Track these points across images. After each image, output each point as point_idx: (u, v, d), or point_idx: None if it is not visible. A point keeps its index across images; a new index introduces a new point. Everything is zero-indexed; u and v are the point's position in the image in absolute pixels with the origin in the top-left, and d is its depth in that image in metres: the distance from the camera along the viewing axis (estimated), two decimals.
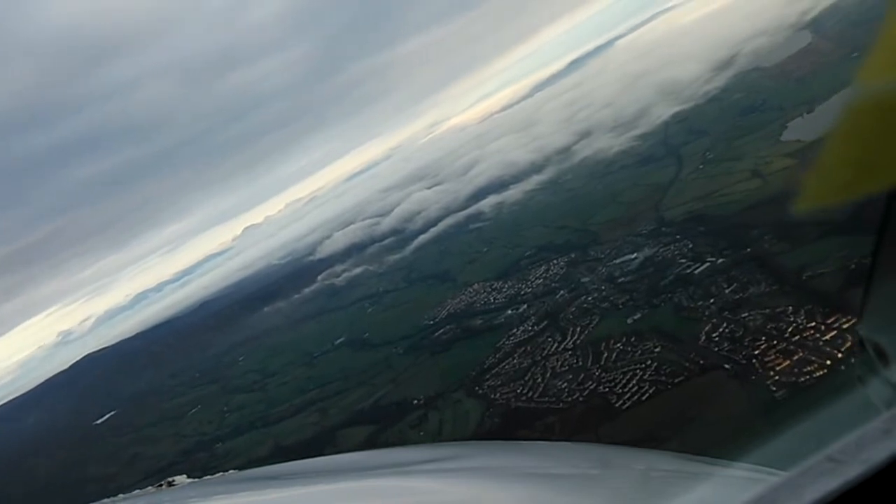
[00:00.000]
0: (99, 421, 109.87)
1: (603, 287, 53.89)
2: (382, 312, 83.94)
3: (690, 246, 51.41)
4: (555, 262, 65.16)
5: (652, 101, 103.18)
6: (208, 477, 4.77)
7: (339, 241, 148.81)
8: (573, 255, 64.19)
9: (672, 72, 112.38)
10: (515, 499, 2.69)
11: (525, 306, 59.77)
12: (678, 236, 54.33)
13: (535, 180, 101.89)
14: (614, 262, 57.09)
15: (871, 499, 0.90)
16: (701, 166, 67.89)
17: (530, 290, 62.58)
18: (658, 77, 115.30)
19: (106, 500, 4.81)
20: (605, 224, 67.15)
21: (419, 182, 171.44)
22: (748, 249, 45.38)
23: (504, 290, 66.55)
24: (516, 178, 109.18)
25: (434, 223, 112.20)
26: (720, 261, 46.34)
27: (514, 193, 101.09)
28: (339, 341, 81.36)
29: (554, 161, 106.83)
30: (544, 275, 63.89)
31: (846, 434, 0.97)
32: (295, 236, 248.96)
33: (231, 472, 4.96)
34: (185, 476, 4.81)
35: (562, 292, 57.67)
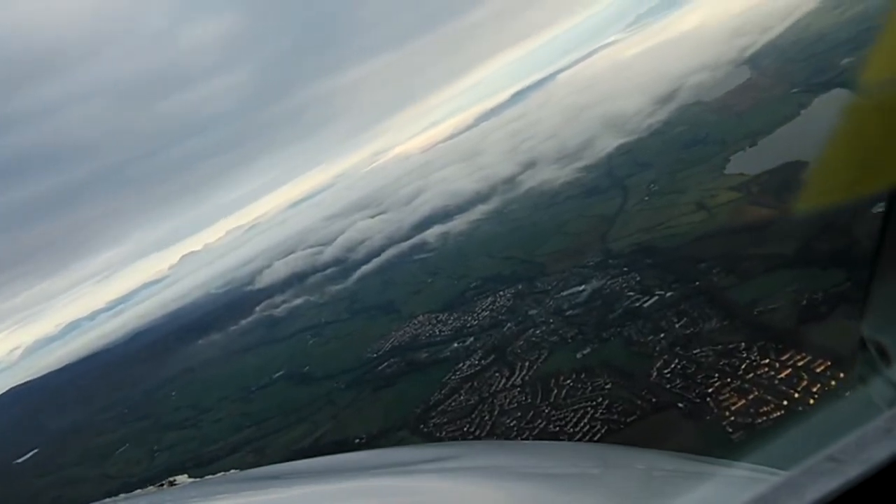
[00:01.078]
0: (20, 460, 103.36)
1: (551, 320, 52.78)
2: (324, 345, 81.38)
3: (638, 278, 50.82)
4: (501, 293, 64.00)
5: (595, 133, 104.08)
6: (209, 477, 4.74)
7: (280, 270, 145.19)
8: (520, 287, 63.12)
9: (614, 105, 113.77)
10: (516, 498, 2.66)
11: (472, 339, 58.22)
12: (626, 268, 53.77)
13: (480, 210, 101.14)
14: (562, 294, 56.17)
15: (873, 498, 0.90)
16: (646, 198, 67.93)
17: (477, 322, 61.14)
18: (601, 110, 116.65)
19: (107, 500, 4.78)
20: (552, 255, 66.43)
21: (363, 211, 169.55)
22: (697, 283, 44.91)
23: (450, 322, 64.99)
24: (461, 208, 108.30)
25: (378, 253, 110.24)
26: (669, 294, 45.72)
27: (459, 223, 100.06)
28: (277, 375, 78.36)
29: (499, 191, 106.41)
30: (491, 307, 62.58)
31: (847, 434, 0.98)
32: (234, 265, 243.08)
33: (232, 471, 4.96)
34: (186, 476, 4.86)
35: (509, 325, 56.37)
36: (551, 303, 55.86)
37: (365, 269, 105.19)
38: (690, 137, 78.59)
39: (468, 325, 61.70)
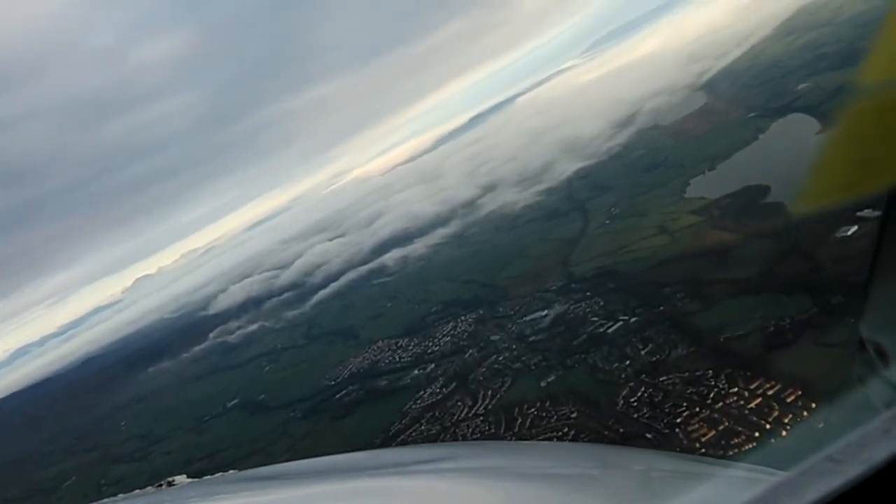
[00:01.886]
0: None
1: (514, 346, 51.72)
2: (280, 371, 79.09)
3: (602, 303, 50.11)
4: (462, 318, 62.83)
5: (555, 156, 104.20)
6: (208, 477, 4.73)
7: (235, 294, 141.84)
8: (481, 312, 62.07)
9: (573, 129, 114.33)
10: (514, 499, 2.68)
11: (432, 366, 56.80)
12: (588, 293, 53.07)
13: (440, 233, 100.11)
14: (524, 319, 55.21)
15: (872, 499, 0.91)
16: (607, 221, 67.66)
17: (438, 348, 59.78)
18: (560, 133, 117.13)
19: (106, 500, 4.79)
20: (514, 279, 65.59)
21: (321, 234, 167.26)
22: (661, 308, 44.27)
23: (410, 348, 63.52)
24: (421, 231, 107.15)
25: (336, 277, 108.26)
26: (633, 320, 45.01)
27: (419, 247, 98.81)
28: (231, 403, 75.69)
29: (459, 214, 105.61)
30: (452, 332, 61.34)
31: (846, 434, 0.99)
32: (189, 289, 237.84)
33: (231, 472, 4.95)
34: (184, 476, 4.77)
35: (471, 351, 55.11)
36: (514, 328, 54.85)
37: (323, 293, 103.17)
38: (649, 161, 78.88)
39: (429, 351, 60.31)
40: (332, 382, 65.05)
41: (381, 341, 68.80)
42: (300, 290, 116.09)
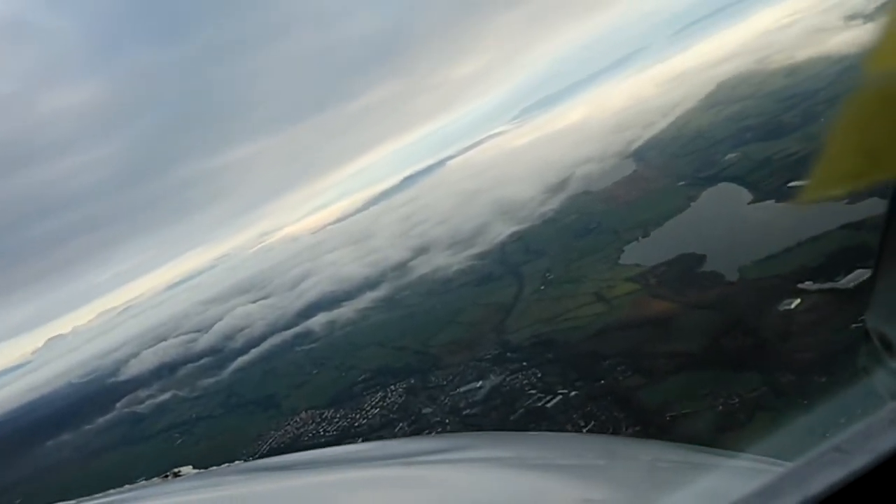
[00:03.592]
0: None
1: (447, 420, 48.85)
2: (193, 445, 73.36)
3: (539, 375, 47.91)
4: (392, 388, 59.71)
5: (488, 219, 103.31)
6: (214, 468, 4.75)
7: (148, 359, 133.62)
8: (412, 381, 59.09)
9: (506, 192, 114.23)
10: (521, 489, 2.70)
11: (360, 441, 53.08)
12: (525, 363, 50.88)
13: (369, 297, 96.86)
14: (458, 390, 52.50)
15: (878, 489, 0.92)
16: (542, 287, 66.21)
17: (366, 420, 56.36)
18: (492, 197, 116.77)
19: (112, 491, 4.78)
20: (447, 346, 63.04)
21: (244, 295, 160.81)
22: (602, 381, 42.26)
23: (336, 420, 59.83)
24: (350, 294, 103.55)
25: (258, 342, 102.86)
26: (573, 393, 42.85)
27: (347, 311, 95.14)
28: (139, 481, 69.33)
29: (390, 277, 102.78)
30: (381, 403, 58.08)
31: (852, 425, 0.99)
32: (100, 352, 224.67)
33: (237, 462, 5.07)
34: (191, 467, 4.85)
35: (401, 425, 51.91)
36: (447, 400, 52.04)
37: (243, 359, 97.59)
38: (582, 226, 78.49)
39: (356, 423, 56.78)
40: (250, 458, 60.27)
41: (304, 412, 64.85)
42: (219, 355, 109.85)
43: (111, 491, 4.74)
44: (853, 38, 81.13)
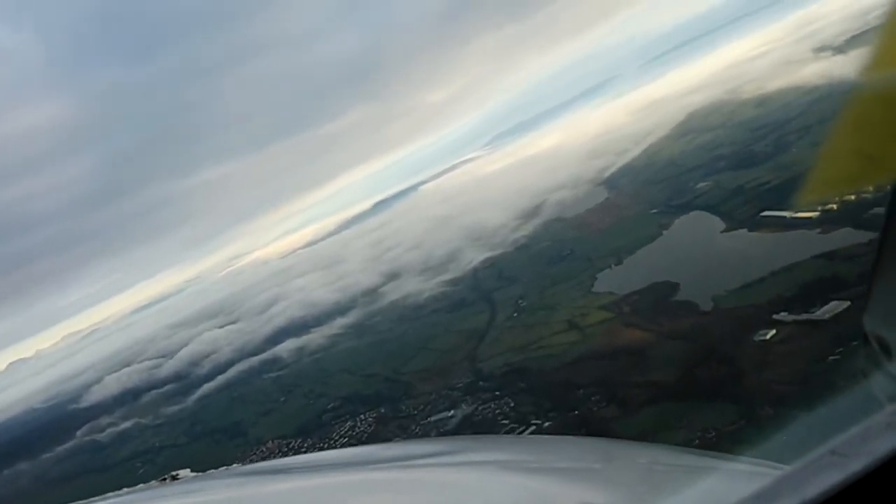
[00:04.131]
0: None
1: None
2: (156, 475, 69.01)
3: (512, 404, 47.07)
4: (362, 417, 58.54)
5: (460, 245, 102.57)
6: (212, 471, 4.72)
7: (112, 385, 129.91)
8: (383, 410, 57.95)
9: (478, 218, 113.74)
10: (521, 491, 2.70)
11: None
12: (497, 392, 50.00)
13: (340, 323, 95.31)
14: (429, 419, 51.47)
15: (875, 492, 0.92)
16: (515, 314, 65.53)
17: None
18: (465, 222, 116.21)
19: (110, 494, 4.64)
20: (418, 373, 61.98)
21: (212, 319, 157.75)
22: (576, 412, 41.52)
23: (303, 450, 58.02)
24: (319, 320, 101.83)
25: (225, 368, 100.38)
26: (547, 424, 41.97)
27: (316, 337, 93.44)
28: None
29: (361, 303, 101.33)
30: (350, 432, 56.77)
31: (849, 428, 0.99)
32: (63, 376, 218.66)
33: (235, 465, 5.23)
34: (188, 470, 4.81)
35: None
36: (418, 429, 50.82)
37: (209, 385, 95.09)
38: (555, 253, 78.13)
39: None
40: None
41: (271, 441, 63.05)
42: (184, 381, 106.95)
43: (109, 494, 4.66)
44: (822, 69, 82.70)
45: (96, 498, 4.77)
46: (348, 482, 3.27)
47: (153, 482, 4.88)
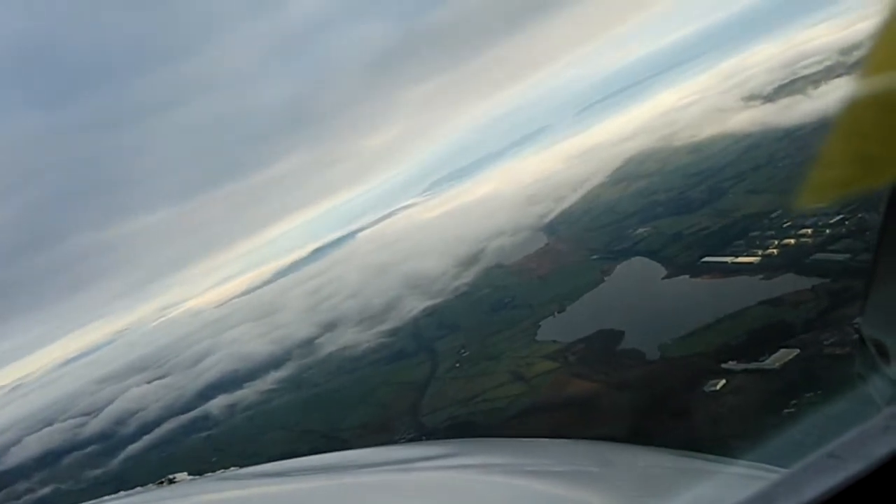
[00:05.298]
0: None
1: None
2: None
3: None
4: None
5: (399, 293, 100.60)
6: (209, 474, 4.76)
7: (31, 446, 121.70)
8: None
9: (418, 265, 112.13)
10: (519, 494, 2.68)
11: None
12: None
13: (274, 377, 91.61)
14: None
15: (872, 495, 0.92)
16: (457, 364, 63.85)
17: None
18: (404, 270, 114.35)
19: (107, 498, 4.84)
20: (357, 430, 59.44)
21: (141, 373, 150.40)
22: None
23: None
24: (253, 374, 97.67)
25: (152, 426, 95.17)
26: None
27: (249, 392, 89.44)
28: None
29: (296, 355, 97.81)
30: None
31: (847, 431, 1.00)
32: None
33: (232, 469, 4.97)
34: (185, 473, 4.85)
35: None
36: None
37: (135, 446, 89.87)
38: (497, 300, 77.11)
39: None
40: None
41: None
42: (109, 441, 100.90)
43: (105, 498, 4.77)
44: (752, 117, 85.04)
45: (94, 502, 4.88)
46: (344, 485, 3.24)
47: (150, 485, 4.77)
